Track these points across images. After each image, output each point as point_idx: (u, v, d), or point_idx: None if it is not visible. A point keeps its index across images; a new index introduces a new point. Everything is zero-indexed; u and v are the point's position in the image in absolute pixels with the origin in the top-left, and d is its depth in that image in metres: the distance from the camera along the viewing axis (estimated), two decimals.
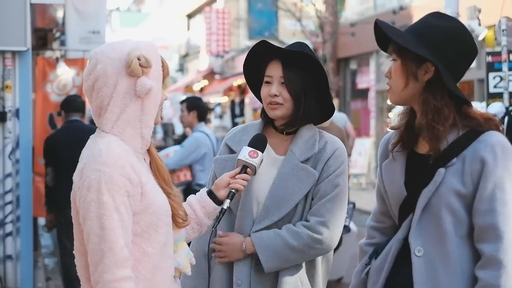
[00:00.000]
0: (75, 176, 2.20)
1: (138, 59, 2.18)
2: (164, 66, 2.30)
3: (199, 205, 2.55)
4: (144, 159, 2.31)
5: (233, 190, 2.57)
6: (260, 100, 2.92)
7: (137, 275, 2.18)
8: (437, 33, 2.32)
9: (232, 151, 2.85)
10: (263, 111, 2.90)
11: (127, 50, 2.21)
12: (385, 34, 2.37)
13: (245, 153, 2.64)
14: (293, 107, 2.78)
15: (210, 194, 2.58)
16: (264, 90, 2.82)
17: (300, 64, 2.78)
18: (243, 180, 2.60)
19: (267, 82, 2.81)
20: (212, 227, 2.57)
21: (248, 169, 2.62)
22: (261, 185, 2.80)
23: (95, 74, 2.21)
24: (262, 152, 2.67)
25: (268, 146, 2.81)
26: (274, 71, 2.79)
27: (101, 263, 2.11)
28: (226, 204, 2.56)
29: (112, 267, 2.10)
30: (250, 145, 2.68)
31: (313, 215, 2.75)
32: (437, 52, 2.31)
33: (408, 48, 2.31)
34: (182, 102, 7.12)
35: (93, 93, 2.24)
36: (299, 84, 2.77)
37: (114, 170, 2.13)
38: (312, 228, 2.73)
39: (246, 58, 2.90)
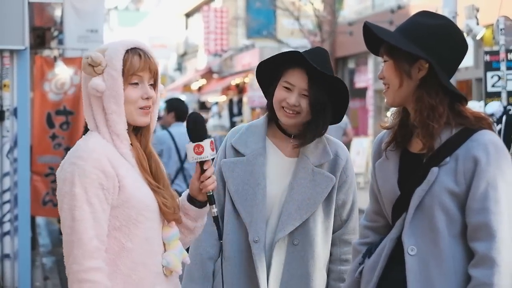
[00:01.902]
0: (57, 172, 2.25)
1: (86, 58, 2.23)
2: (134, 61, 2.26)
3: (182, 213, 2.45)
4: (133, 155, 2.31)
5: (209, 193, 2.41)
6: (266, 94, 2.88)
7: (115, 269, 2.20)
8: (426, 30, 2.32)
9: (239, 154, 2.81)
10: (269, 110, 2.84)
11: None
12: (374, 36, 2.36)
13: (192, 153, 2.38)
14: (310, 118, 2.76)
15: (190, 199, 2.45)
16: (281, 95, 2.77)
17: (324, 77, 2.74)
18: (209, 178, 2.39)
19: (286, 88, 2.76)
20: (220, 240, 2.55)
21: (205, 163, 2.38)
22: (276, 188, 2.80)
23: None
24: (206, 137, 2.40)
25: (274, 147, 2.80)
26: (298, 81, 2.74)
27: (71, 254, 2.14)
28: (214, 210, 2.42)
29: (80, 257, 2.12)
30: (191, 140, 2.40)
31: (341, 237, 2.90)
32: (428, 49, 2.30)
33: (401, 47, 2.30)
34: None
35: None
36: (322, 99, 2.74)
37: (87, 163, 2.16)
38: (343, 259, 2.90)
39: (268, 59, 2.82)
